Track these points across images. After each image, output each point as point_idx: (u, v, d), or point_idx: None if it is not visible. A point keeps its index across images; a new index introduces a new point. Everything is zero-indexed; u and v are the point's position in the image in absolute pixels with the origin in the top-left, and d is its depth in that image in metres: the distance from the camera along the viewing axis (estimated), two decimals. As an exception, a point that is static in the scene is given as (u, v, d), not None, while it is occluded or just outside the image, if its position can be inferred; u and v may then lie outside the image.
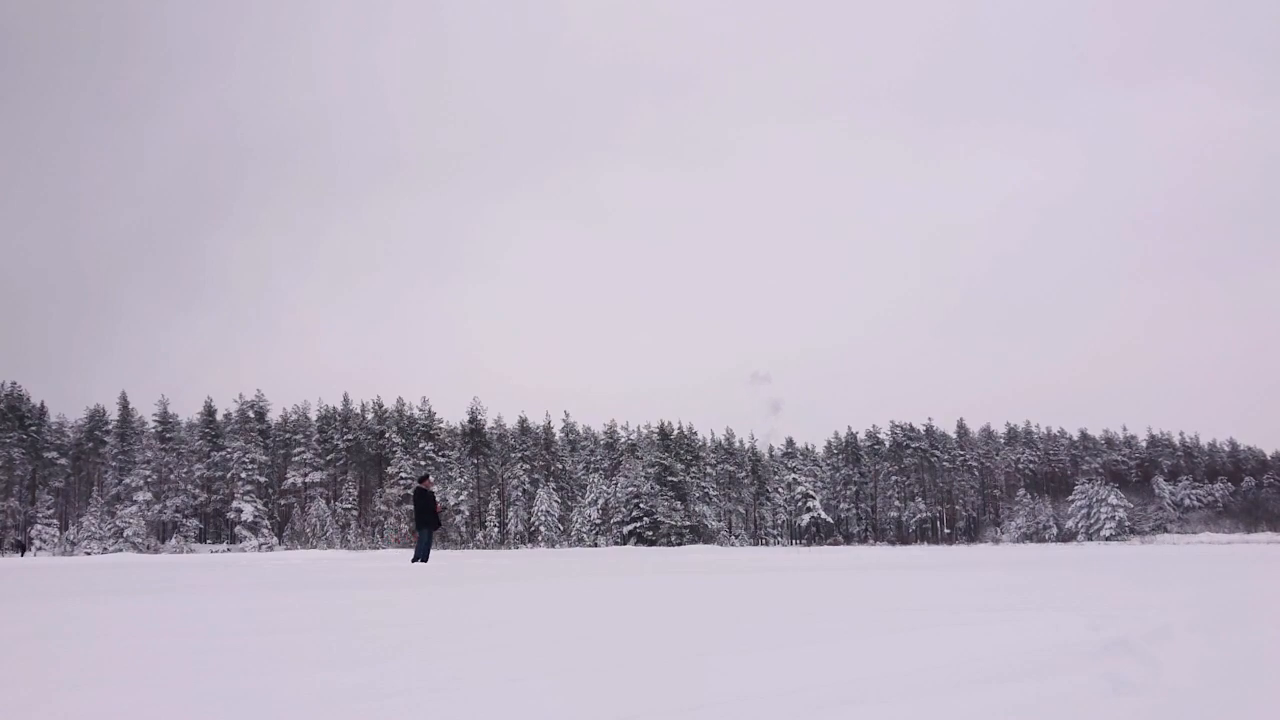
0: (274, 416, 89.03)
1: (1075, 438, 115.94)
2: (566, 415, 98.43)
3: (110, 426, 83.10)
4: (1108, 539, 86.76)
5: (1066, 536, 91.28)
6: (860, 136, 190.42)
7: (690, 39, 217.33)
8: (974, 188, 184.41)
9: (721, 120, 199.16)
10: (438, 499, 18.64)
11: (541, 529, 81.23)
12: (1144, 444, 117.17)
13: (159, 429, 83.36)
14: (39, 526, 72.55)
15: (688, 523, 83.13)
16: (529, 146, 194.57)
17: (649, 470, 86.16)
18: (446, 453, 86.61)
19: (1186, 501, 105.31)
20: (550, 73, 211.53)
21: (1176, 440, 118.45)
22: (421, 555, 17.35)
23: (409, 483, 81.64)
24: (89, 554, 64.64)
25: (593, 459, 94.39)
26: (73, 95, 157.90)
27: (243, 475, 77.73)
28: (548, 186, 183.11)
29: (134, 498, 74.85)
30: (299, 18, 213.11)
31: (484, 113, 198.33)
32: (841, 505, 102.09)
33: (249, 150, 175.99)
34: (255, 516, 76.36)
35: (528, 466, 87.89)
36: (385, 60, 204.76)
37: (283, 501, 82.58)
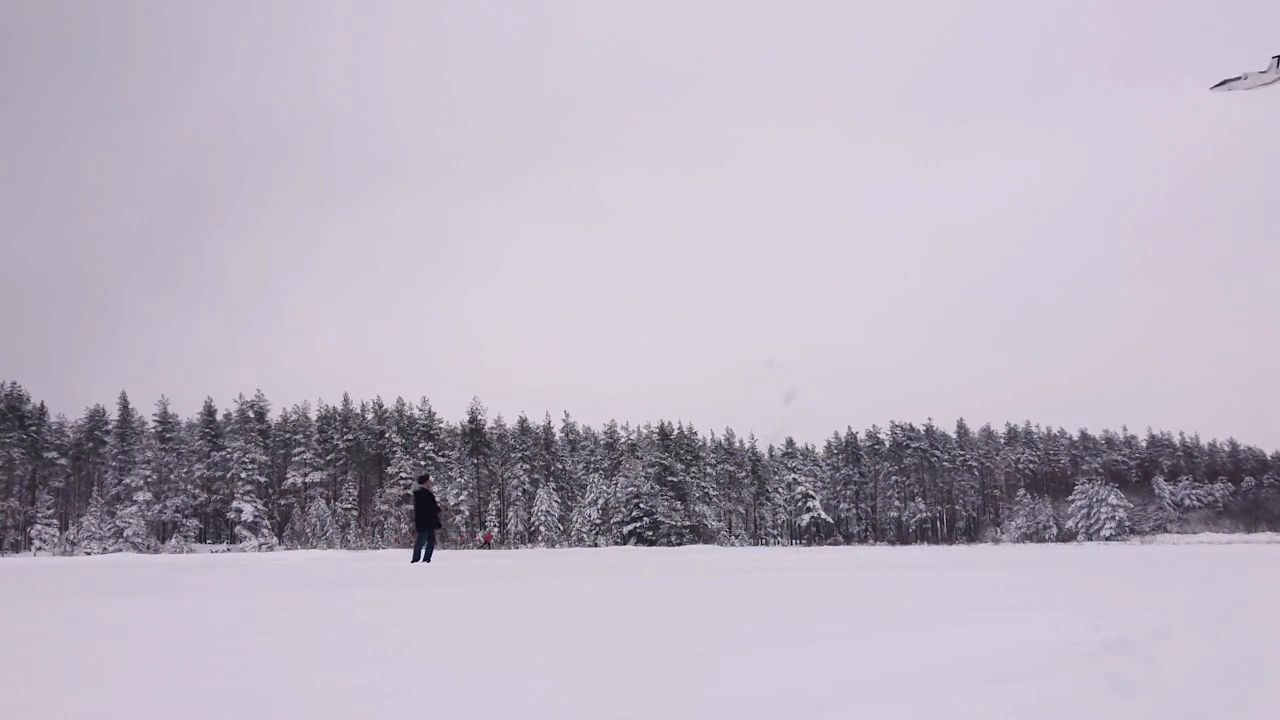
0: (274, 416, 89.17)
1: (1075, 438, 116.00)
2: (566, 415, 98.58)
3: (110, 426, 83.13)
4: (1108, 539, 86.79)
5: (1066, 536, 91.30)
6: (860, 136, 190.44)
7: (690, 39, 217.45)
8: (974, 188, 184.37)
9: (721, 120, 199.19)
10: (438, 499, 18.64)
11: (541, 529, 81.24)
12: (1144, 444, 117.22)
13: (159, 429, 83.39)
14: (39, 526, 72.56)
15: (688, 523, 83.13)
16: (529, 146, 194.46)
17: (649, 470, 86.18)
18: (446, 453, 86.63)
19: (1186, 501, 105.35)
20: (550, 72, 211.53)
21: (1176, 440, 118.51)
22: (425, 555, 17.37)
23: (409, 483, 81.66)
24: (89, 554, 64.65)
25: (593, 459, 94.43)
26: (72, 95, 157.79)
27: (243, 475, 77.74)
28: (548, 186, 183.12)
29: (134, 498, 74.87)
30: (299, 17, 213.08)
31: (485, 113, 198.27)
32: (841, 505, 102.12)
33: (249, 150, 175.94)
34: (255, 516, 76.38)
35: (528, 466, 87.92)
36: (386, 60, 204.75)
37: (283, 501, 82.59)
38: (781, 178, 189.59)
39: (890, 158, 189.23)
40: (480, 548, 67.09)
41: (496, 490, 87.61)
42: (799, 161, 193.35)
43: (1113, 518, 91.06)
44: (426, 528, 17.87)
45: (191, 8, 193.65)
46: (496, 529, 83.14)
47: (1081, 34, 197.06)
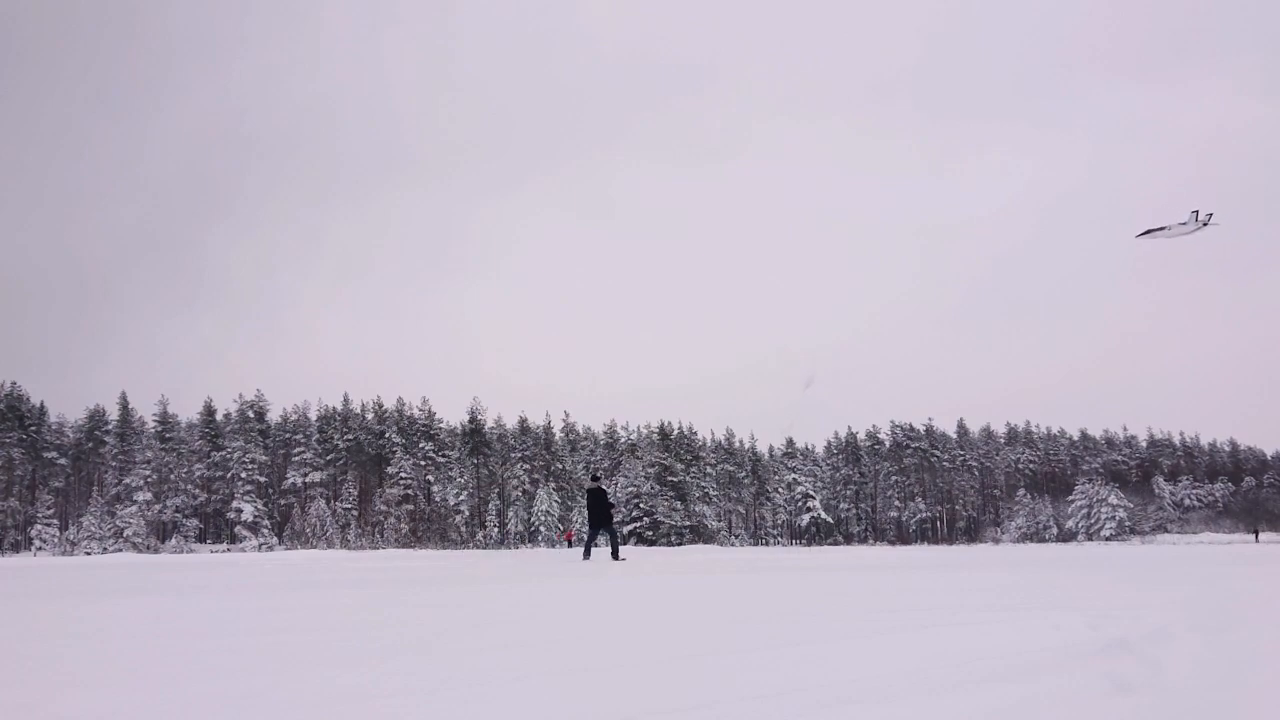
0: (274, 416, 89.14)
1: (1075, 438, 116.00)
2: (566, 415, 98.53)
3: (110, 426, 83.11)
4: (1108, 539, 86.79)
5: (1066, 536, 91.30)
6: (863, 134, 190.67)
7: (693, 37, 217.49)
8: (976, 186, 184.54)
9: (723, 118, 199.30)
10: (609, 497, 18.63)
11: (541, 529, 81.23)
12: (1144, 444, 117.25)
13: (159, 429, 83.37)
14: (39, 526, 72.55)
15: (688, 523, 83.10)
16: (534, 143, 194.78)
17: (649, 470, 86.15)
18: (446, 453, 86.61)
19: (1186, 501, 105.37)
20: (557, 68, 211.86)
21: (1176, 440, 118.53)
22: (612, 553, 17.69)
23: (409, 483, 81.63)
24: (89, 554, 64.63)
25: (593, 459, 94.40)
26: (74, 89, 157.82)
27: (243, 475, 77.73)
28: (553, 183, 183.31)
29: (134, 498, 74.85)
30: (304, 10, 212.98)
31: (489, 109, 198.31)
32: (841, 505, 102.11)
33: (252, 145, 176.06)
34: (255, 516, 76.37)
35: (528, 466, 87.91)
36: (392, 54, 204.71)
37: (283, 501, 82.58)
38: (783, 175, 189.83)
39: (892, 155, 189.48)
40: (565, 547, 67.32)
41: (496, 490, 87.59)
42: (800, 159, 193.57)
43: (1113, 518, 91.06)
44: (599, 526, 17.95)
45: (194, 1, 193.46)
46: (498, 529, 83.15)
47: (1084, 32, 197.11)
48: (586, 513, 18.73)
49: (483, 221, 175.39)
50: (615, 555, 17.61)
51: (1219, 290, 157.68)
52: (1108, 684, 2.84)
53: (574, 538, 73.19)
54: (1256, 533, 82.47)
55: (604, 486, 18.64)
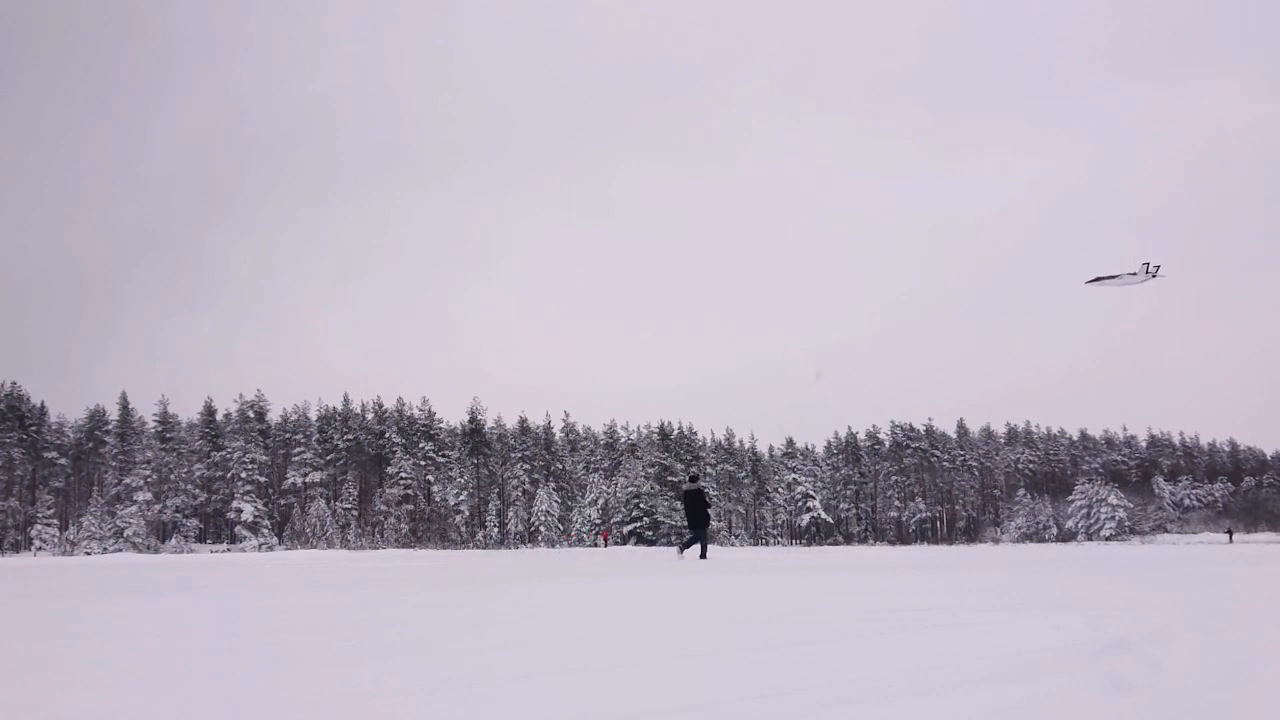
0: (274, 416, 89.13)
1: (1075, 438, 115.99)
2: (566, 415, 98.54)
3: (110, 426, 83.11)
4: (1108, 539, 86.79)
5: (1066, 536, 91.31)
6: (864, 133, 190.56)
7: (694, 36, 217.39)
8: (977, 186, 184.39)
9: (722, 118, 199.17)
10: (706, 497, 18.77)
11: (541, 529, 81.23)
12: (1144, 444, 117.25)
13: (159, 429, 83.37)
14: (39, 526, 72.53)
15: (688, 523, 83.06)
16: (535, 142, 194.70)
17: (649, 470, 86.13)
18: (446, 453, 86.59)
19: (1186, 501, 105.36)
20: (557, 68, 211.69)
21: (1176, 440, 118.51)
22: (700, 553, 17.67)
23: (409, 483, 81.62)
24: (89, 554, 64.61)
25: (593, 459, 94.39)
26: (74, 89, 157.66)
27: (243, 475, 77.72)
28: (553, 183, 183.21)
29: (134, 498, 74.84)
30: (304, 7, 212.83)
31: (489, 108, 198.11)
32: (841, 505, 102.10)
33: (252, 144, 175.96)
34: (255, 516, 76.36)
35: (528, 466, 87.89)
36: (392, 53, 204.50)
37: (283, 501, 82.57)
38: (784, 175, 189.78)
39: (893, 155, 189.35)
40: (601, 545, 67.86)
41: (496, 490, 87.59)
42: (801, 159, 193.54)
43: (1113, 518, 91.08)
44: (698, 526, 17.91)
45: (194, 1, 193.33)
46: (498, 529, 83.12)
47: (1084, 32, 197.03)
48: (685, 513, 18.81)
49: (483, 221, 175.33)
50: (703, 554, 17.61)
51: (1219, 290, 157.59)
52: (1108, 684, 2.84)
53: (608, 537, 73.11)
54: (1230, 533, 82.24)
55: (702, 486, 18.67)
